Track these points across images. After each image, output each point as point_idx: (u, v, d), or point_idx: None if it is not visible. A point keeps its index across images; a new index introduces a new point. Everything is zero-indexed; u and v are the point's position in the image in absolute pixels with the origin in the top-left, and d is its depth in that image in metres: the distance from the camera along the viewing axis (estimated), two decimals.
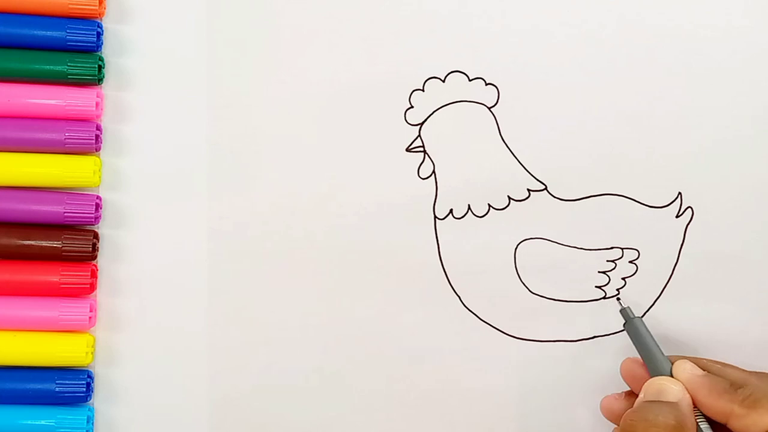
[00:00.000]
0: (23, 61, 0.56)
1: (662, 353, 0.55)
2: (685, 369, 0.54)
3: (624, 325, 0.57)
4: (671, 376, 0.54)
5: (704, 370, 0.54)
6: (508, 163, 0.59)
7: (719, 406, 0.52)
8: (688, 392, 0.53)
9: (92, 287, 0.57)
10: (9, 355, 0.56)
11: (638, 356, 0.56)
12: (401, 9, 0.59)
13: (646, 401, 0.53)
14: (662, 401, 0.52)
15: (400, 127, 0.59)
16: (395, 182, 0.59)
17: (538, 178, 0.59)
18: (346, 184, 0.58)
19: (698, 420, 0.52)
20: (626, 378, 0.57)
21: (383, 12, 0.59)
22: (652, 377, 0.54)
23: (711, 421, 0.53)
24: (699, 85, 0.59)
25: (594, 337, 0.59)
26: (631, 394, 0.56)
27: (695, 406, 0.53)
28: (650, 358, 0.55)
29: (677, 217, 0.59)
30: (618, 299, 0.59)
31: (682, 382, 0.53)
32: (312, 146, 0.58)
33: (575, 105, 0.59)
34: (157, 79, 0.58)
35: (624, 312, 0.57)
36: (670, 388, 0.53)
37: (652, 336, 0.56)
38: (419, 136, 0.58)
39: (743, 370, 0.55)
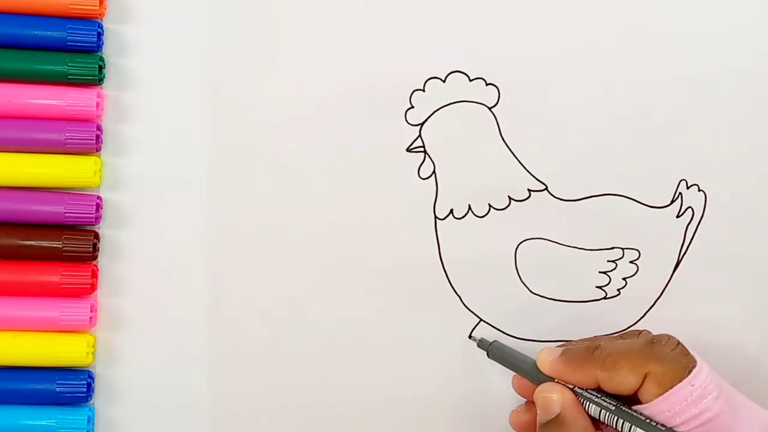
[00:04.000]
0: (24, 62, 0.56)
1: (530, 360, 0.56)
2: (544, 360, 0.54)
3: (487, 355, 0.57)
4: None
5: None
6: (509, 163, 0.59)
7: (585, 377, 0.53)
8: (557, 377, 0.54)
9: (93, 287, 0.57)
10: (10, 356, 0.56)
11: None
12: (402, 9, 0.59)
13: (542, 426, 0.53)
14: (551, 421, 0.53)
15: (401, 127, 0.58)
16: (396, 182, 0.59)
17: (538, 178, 0.59)
18: (347, 184, 0.58)
19: (599, 399, 0.52)
20: (521, 393, 0.57)
21: (384, 12, 0.58)
22: (536, 385, 0.54)
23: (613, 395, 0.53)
24: (699, 85, 0.59)
25: (594, 337, 0.59)
26: (530, 403, 0.56)
27: (590, 388, 0.53)
28: (524, 371, 0.56)
29: (677, 217, 0.59)
30: (470, 336, 0.59)
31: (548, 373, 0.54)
32: (312, 146, 0.58)
33: (576, 105, 0.59)
34: (157, 79, 0.58)
35: (481, 343, 0.58)
36: (551, 399, 0.53)
37: (514, 351, 0.57)
38: (420, 136, 0.58)
39: (594, 338, 0.56)
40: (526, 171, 0.59)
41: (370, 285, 0.59)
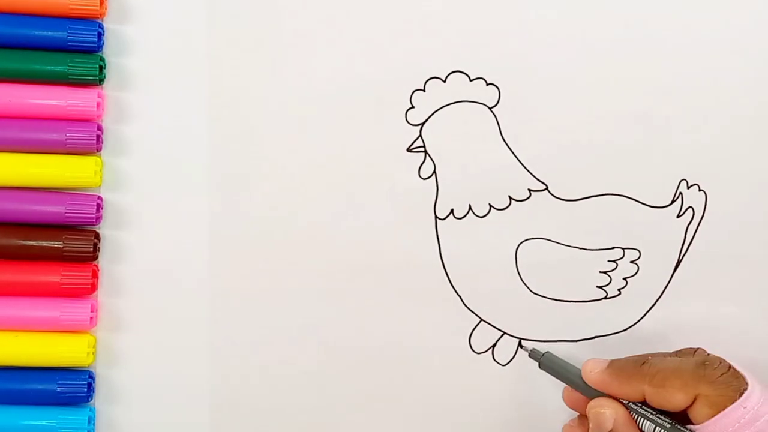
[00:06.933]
0: (24, 62, 0.56)
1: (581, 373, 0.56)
2: (590, 370, 0.55)
3: (539, 366, 0.57)
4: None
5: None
6: (509, 163, 0.59)
7: (631, 391, 0.53)
8: (603, 389, 0.54)
9: (93, 287, 0.57)
10: (10, 356, 0.56)
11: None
12: (402, 9, 0.59)
13: None
14: None
15: (401, 127, 0.58)
16: (396, 182, 0.58)
17: (539, 178, 0.59)
18: (347, 185, 0.58)
19: (654, 416, 0.53)
20: (572, 406, 0.57)
21: (384, 12, 0.58)
22: (588, 398, 0.55)
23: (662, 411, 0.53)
24: (700, 85, 0.59)
25: (595, 337, 0.59)
26: (582, 417, 0.57)
27: (637, 402, 0.53)
28: (576, 383, 0.56)
29: (678, 217, 0.59)
30: (521, 346, 0.59)
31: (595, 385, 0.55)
32: (312, 147, 0.58)
33: (576, 105, 0.59)
34: (157, 79, 0.58)
35: (533, 353, 0.58)
36: (603, 415, 0.53)
37: (566, 363, 0.57)
38: (420, 136, 0.58)
39: (642, 355, 0.56)
40: (526, 171, 0.59)
41: (370, 285, 0.59)
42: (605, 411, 0.53)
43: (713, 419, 0.50)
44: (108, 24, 0.58)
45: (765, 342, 0.59)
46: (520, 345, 0.59)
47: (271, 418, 0.59)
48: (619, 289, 0.59)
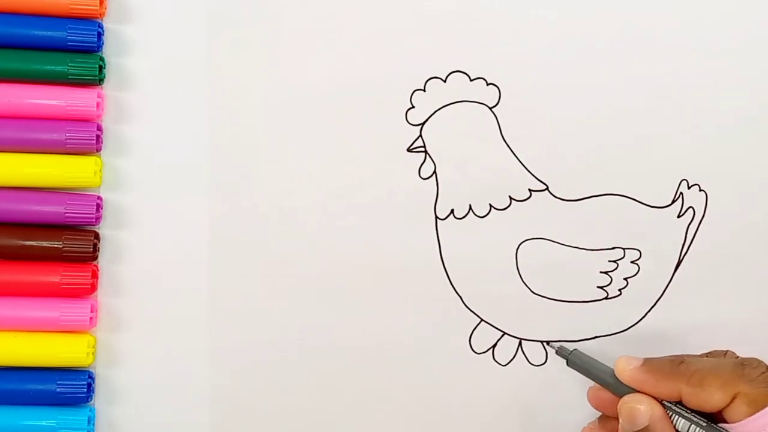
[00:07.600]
0: (24, 62, 0.56)
1: (612, 371, 0.55)
2: (624, 368, 0.54)
3: (567, 363, 0.57)
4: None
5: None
6: (510, 163, 0.59)
7: (667, 390, 0.52)
8: (637, 387, 0.53)
9: (93, 288, 0.57)
10: (10, 356, 0.56)
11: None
12: (402, 9, 0.58)
13: None
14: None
15: (402, 127, 0.58)
16: (396, 182, 0.58)
17: (539, 178, 0.59)
18: (347, 185, 0.58)
19: (690, 414, 0.52)
20: (597, 406, 0.57)
21: (384, 12, 0.58)
22: (618, 396, 0.54)
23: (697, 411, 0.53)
24: (700, 85, 0.59)
25: (596, 337, 0.59)
26: (605, 418, 0.56)
27: (670, 401, 0.53)
28: (606, 381, 0.55)
29: (679, 217, 0.59)
30: (548, 343, 0.58)
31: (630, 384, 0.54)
32: (313, 146, 0.58)
33: (577, 105, 0.59)
34: (157, 79, 0.58)
35: (561, 351, 0.57)
36: (638, 411, 0.53)
37: (595, 360, 0.56)
38: (420, 136, 0.58)
39: (677, 355, 0.55)
40: (526, 171, 0.59)
41: (370, 285, 0.59)
42: (641, 407, 0.52)
43: (751, 418, 0.50)
44: (108, 24, 0.57)
45: (765, 342, 0.59)
46: (547, 342, 0.58)
47: (271, 418, 0.59)
48: (619, 289, 0.59)
